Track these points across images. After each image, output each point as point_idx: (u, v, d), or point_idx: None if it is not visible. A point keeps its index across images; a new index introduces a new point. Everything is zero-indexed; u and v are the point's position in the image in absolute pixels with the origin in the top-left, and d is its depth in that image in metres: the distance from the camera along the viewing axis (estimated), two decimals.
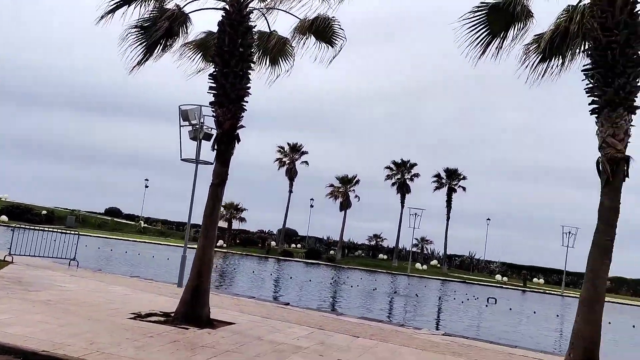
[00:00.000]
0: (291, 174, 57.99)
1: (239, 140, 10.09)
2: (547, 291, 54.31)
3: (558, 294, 52.14)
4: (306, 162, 59.07)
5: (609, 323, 25.60)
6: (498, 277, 59.64)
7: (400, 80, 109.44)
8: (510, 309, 27.35)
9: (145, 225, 70.46)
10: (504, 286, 53.25)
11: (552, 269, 71.10)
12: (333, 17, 11.00)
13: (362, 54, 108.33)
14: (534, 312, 26.82)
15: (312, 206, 71.26)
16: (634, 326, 26.16)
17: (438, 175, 60.09)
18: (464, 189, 60.19)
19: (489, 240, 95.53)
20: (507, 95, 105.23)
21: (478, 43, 9.48)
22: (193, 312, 9.37)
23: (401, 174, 59.94)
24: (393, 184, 60.01)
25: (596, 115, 8.48)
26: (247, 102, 10.27)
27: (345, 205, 58.73)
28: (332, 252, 62.80)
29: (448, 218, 60.31)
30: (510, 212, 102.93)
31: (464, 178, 59.83)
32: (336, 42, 11.27)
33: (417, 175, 59.94)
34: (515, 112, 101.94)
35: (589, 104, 8.56)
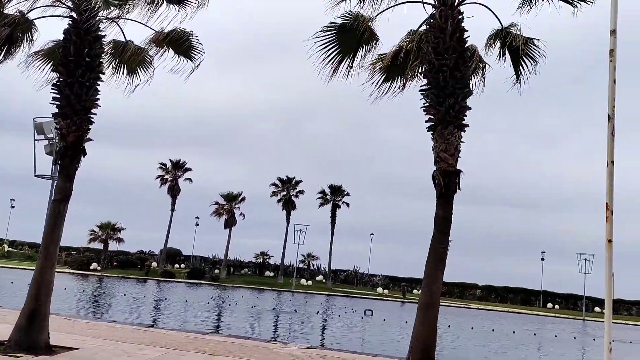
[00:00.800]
0: (173, 192, 56.23)
1: (84, 154, 9.60)
2: None
3: None
4: (190, 179, 57.72)
5: (472, 328, 27.66)
6: (379, 289, 61.86)
7: (290, 97, 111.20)
8: (385, 319, 28.43)
9: (10, 249, 64.56)
10: (384, 298, 55.32)
11: None
12: (190, 31, 10.93)
13: (253, 70, 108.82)
14: (406, 322, 28.05)
15: (197, 224, 69.59)
16: (493, 330, 28.34)
17: (323, 192, 61.40)
18: (347, 204, 62.03)
19: (373, 254, 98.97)
20: (391, 112, 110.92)
21: (330, 61, 9.86)
22: (28, 339, 8.67)
23: (286, 191, 60.46)
24: (279, 201, 60.37)
25: (431, 132, 9.14)
26: (95, 114, 9.83)
27: (230, 223, 57.96)
28: (217, 271, 61.57)
29: (332, 233, 61.75)
30: (392, 226, 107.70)
31: (348, 194, 61.77)
32: (195, 56, 11.17)
33: (302, 191, 60.85)
34: (399, 129, 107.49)
35: (426, 122, 9.21)
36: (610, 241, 6.75)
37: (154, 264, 60.43)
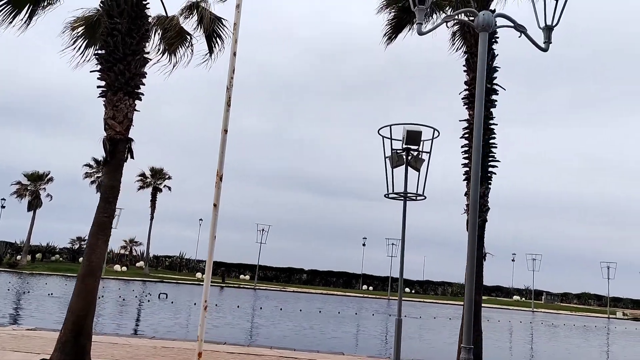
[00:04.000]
0: None
1: None
2: (242, 285, 57.80)
3: (252, 288, 56.01)
4: None
5: (261, 308, 28.21)
6: (199, 275, 61.29)
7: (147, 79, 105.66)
8: (173, 302, 28.09)
9: None
10: (201, 283, 54.81)
11: (259, 265, 76.50)
12: None
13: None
14: (194, 304, 27.99)
15: (3, 207, 62.68)
16: (281, 309, 29.34)
17: (143, 175, 58.82)
18: (169, 188, 60.13)
19: (202, 240, 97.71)
20: (249, 101, 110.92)
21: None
22: None
23: (102, 172, 56.84)
24: (92, 182, 56.49)
25: (103, 98, 8.85)
26: None
27: (35, 205, 53.10)
28: (19, 257, 56.13)
29: (152, 218, 59.51)
30: (226, 212, 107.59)
31: (169, 178, 59.88)
32: None
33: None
34: (256, 118, 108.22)
35: (98, 87, 8.88)
36: (215, 205, 7.08)
37: None
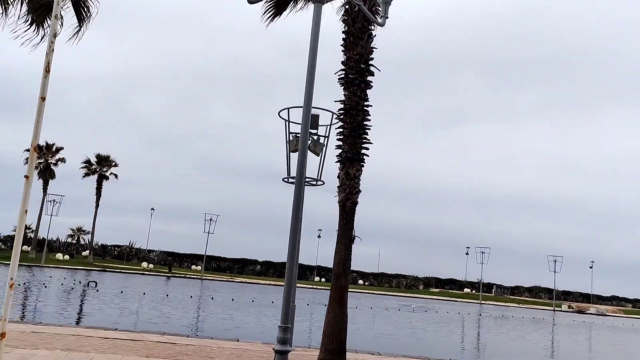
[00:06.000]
0: None
1: None
2: (189, 276, 57.05)
3: (198, 278, 55.35)
4: None
5: (191, 297, 27.85)
6: (144, 264, 60.28)
7: (113, 67, 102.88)
8: (98, 290, 27.44)
9: None
10: (146, 273, 53.87)
11: (212, 256, 75.62)
12: None
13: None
14: (121, 292, 27.39)
15: None
16: (212, 298, 28.93)
17: (88, 161, 57.30)
18: (116, 176, 58.67)
19: (152, 229, 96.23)
20: (220, 92, 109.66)
21: None
22: None
23: (45, 158, 55.16)
24: (35, 168, 54.67)
25: None
26: None
27: None
28: None
29: (97, 206, 57.99)
30: (184, 203, 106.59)
31: (116, 165, 58.47)
32: None
33: (63, 160, 56.05)
34: (227, 110, 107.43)
35: None
36: (27, 177, 6.67)
37: None
